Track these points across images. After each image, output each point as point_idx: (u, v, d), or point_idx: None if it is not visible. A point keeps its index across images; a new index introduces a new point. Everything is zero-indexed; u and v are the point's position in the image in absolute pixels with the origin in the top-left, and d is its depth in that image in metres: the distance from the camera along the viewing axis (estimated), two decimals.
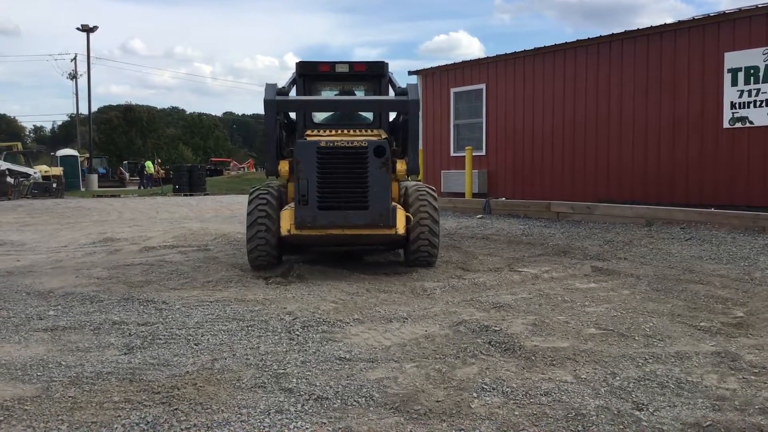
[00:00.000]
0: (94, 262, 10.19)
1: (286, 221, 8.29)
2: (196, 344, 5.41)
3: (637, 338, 5.45)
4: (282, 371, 4.67)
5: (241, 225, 14.97)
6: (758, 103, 12.44)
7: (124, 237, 13.51)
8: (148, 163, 51.54)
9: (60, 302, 7.18)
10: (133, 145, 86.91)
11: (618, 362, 4.82)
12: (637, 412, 3.93)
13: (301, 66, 9.77)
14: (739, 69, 12.71)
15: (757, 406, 3.98)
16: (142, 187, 47.39)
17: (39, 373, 4.70)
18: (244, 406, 4.07)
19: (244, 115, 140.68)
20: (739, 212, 11.89)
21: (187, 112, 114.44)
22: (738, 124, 12.73)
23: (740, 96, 12.70)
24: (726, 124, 12.91)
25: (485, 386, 4.36)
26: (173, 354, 5.15)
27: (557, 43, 16.14)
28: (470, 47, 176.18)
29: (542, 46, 16.44)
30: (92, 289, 7.83)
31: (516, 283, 7.80)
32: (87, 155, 53.49)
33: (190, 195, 32.98)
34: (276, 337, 5.57)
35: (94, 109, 60.01)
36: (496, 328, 5.69)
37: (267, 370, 4.71)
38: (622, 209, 13.55)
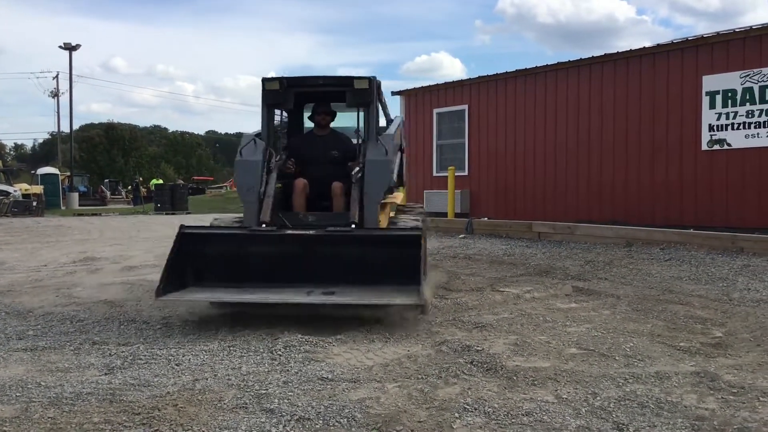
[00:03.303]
0: (74, 281, 10.11)
1: None
2: (177, 364, 5.38)
3: (617, 358, 5.49)
4: (264, 392, 4.65)
5: None
6: (736, 126, 12.63)
7: (105, 256, 13.42)
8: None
9: (40, 322, 7.12)
10: (114, 164, 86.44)
11: (599, 382, 4.85)
12: None
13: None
14: (717, 92, 12.91)
15: (735, 426, 4.02)
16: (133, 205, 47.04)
17: (18, 394, 4.65)
18: (225, 427, 4.05)
19: (227, 133, 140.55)
20: (718, 233, 12.03)
21: (170, 131, 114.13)
22: (716, 147, 12.91)
23: (718, 119, 12.89)
24: (704, 147, 13.08)
25: (467, 406, 4.37)
26: (154, 374, 5.12)
27: (538, 65, 16.34)
28: (452, 68, 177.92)
29: (524, 68, 16.62)
30: (72, 309, 7.77)
31: (498, 303, 7.83)
32: (68, 173, 53.12)
33: (172, 213, 32.81)
34: (258, 357, 5.55)
35: (75, 127, 59.80)
36: (478, 348, 5.72)
37: (249, 390, 4.69)
38: (602, 230, 13.66)
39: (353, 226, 7.35)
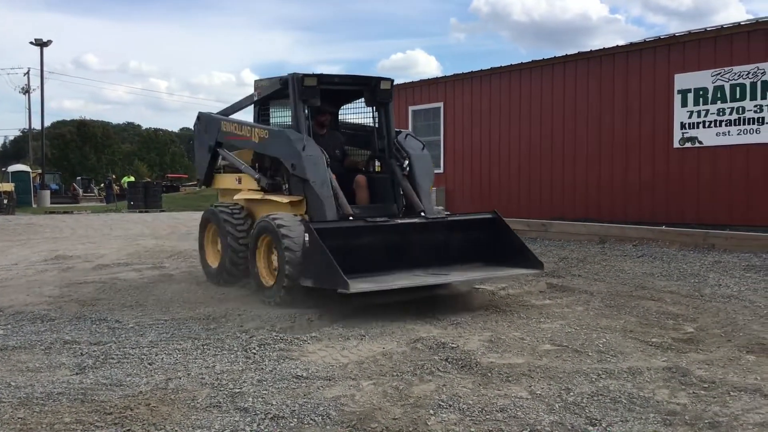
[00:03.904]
0: (45, 280, 9.98)
1: None
2: (150, 364, 5.34)
3: (590, 354, 5.53)
4: (238, 390, 4.63)
5: (197, 242, 14.82)
6: (707, 124, 12.77)
7: (77, 254, 13.26)
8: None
9: (10, 321, 7.02)
10: (87, 161, 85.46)
11: (572, 378, 4.89)
12: (591, 428, 3.99)
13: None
14: (689, 90, 13.04)
15: (706, 421, 4.07)
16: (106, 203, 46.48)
17: None
18: (199, 426, 4.02)
19: None
20: (690, 230, 12.17)
21: (143, 128, 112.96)
22: (688, 144, 13.05)
23: (690, 117, 13.02)
24: (676, 144, 13.21)
25: (442, 403, 4.38)
26: (126, 374, 5.07)
27: (513, 63, 16.41)
28: (428, 66, 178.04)
29: (498, 66, 16.67)
30: (43, 308, 7.67)
31: (473, 300, 7.86)
32: (39, 171, 52.40)
33: (146, 211, 32.51)
34: (232, 356, 5.53)
35: (47, 124, 59.13)
36: (453, 345, 5.73)
37: (222, 389, 4.66)
38: (576, 227, 13.75)
39: (422, 214, 8.03)
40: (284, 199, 8.24)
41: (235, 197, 9.27)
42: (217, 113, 10.03)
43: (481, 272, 7.79)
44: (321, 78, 8.35)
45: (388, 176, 8.80)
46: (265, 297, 7.68)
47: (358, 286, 6.59)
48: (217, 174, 10.15)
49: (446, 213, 8.74)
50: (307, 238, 7.03)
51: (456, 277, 7.66)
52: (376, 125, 8.97)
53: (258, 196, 8.82)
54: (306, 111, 8.32)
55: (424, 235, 7.94)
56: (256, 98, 9.24)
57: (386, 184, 8.78)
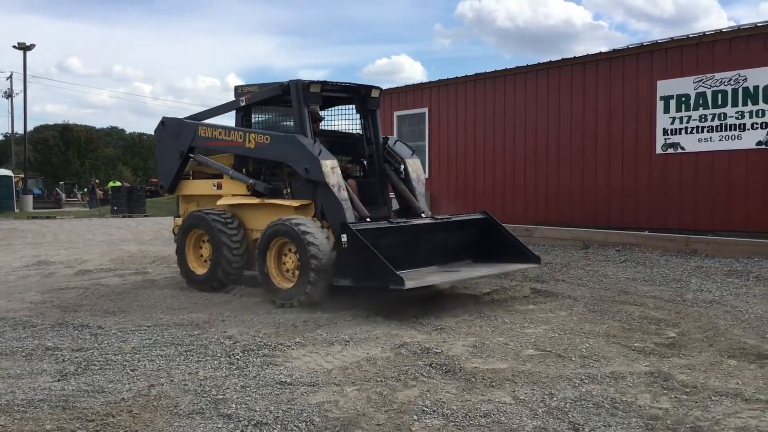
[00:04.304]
0: (27, 285, 9.90)
1: None
2: (132, 370, 5.31)
3: (573, 359, 5.55)
4: (221, 397, 4.61)
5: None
6: (689, 130, 12.88)
7: (60, 260, 13.16)
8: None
9: None
10: (70, 165, 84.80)
11: (555, 383, 4.91)
12: None
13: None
14: (671, 96, 13.14)
15: (688, 425, 4.10)
16: (90, 207, 46.12)
17: None
18: None
19: None
20: (672, 235, 12.26)
21: (127, 132, 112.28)
22: (670, 150, 13.15)
23: (672, 123, 13.12)
24: (659, 150, 13.31)
25: (426, 409, 4.38)
26: (108, 380, 5.04)
27: (497, 69, 16.47)
28: (413, 71, 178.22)
29: (483, 71, 16.74)
30: (25, 314, 7.61)
31: (457, 305, 7.87)
32: (22, 176, 51.97)
33: (129, 216, 32.32)
34: (215, 362, 5.50)
35: (29, 128, 58.64)
36: (437, 350, 5.74)
37: (205, 395, 4.64)
38: (560, 232, 13.81)
39: (422, 215, 8.67)
40: (294, 203, 8.35)
41: (221, 202, 9.18)
42: (187, 118, 9.92)
43: (488, 268, 8.36)
44: (323, 85, 8.60)
45: (376, 180, 9.09)
46: (279, 299, 7.86)
47: (408, 283, 6.89)
48: (184, 180, 9.98)
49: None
50: (344, 239, 7.34)
51: (474, 272, 8.19)
52: (365, 131, 9.23)
53: (253, 200, 8.80)
54: (309, 117, 8.50)
55: (434, 234, 8.45)
56: (243, 103, 9.19)
57: (375, 187, 9.09)
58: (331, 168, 8.04)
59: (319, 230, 7.75)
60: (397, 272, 6.92)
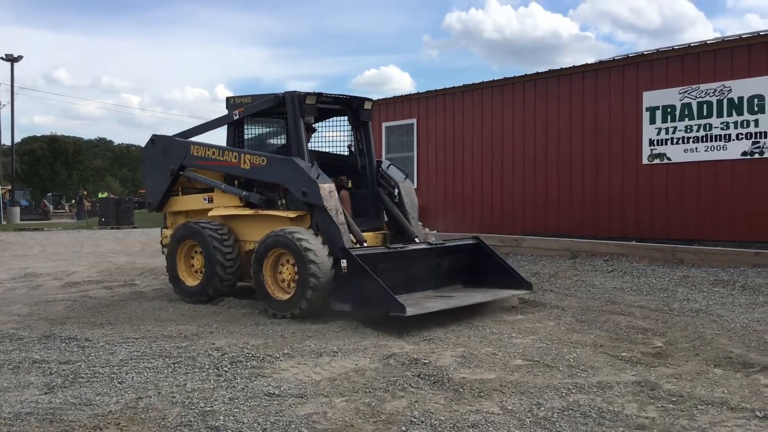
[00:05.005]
0: (14, 298, 9.84)
1: None
2: (120, 382, 5.29)
3: (561, 369, 5.58)
4: (209, 409, 4.60)
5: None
6: (675, 141, 12.98)
7: (47, 272, 13.10)
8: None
9: None
10: (58, 177, 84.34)
11: (543, 393, 4.93)
12: None
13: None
14: (657, 108, 13.25)
15: None
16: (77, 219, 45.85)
17: None
18: None
19: None
20: (659, 245, 12.34)
21: (115, 143, 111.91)
22: (656, 161, 13.24)
23: (658, 133, 13.23)
24: (645, 161, 13.40)
25: (414, 419, 4.39)
26: (96, 393, 5.02)
27: (485, 80, 16.57)
28: (401, 82, 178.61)
29: (471, 83, 16.82)
30: (12, 327, 7.57)
31: (445, 316, 7.87)
32: (9, 187, 51.69)
33: (117, 228, 32.18)
34: (203, 374, 5.49)
35: (17, 139, 58.31)
36: (426, 361, 5.75)
37: (193, 407, 4.63)
38: (548, 242, 13.87)
39: (416, 240, 8.69)
40: (290, 214, 8.35)
41: (213, 213, 9.13)
42: (178, 135, 9.84)
43: (483, 294, 8.24)
44: (318, 97, 8.61)
45: (368, 191, 9.14)
46: (273, 309, 7.88)
47: (409, 310, 6.85)
48: (173, 197, 9.88)
49: (430, 232, 9.16)
50: (344, 264, 7.35)
51: (469, 299, 7.97)
52: (357, 143, 9.34)
53: (247, 211, 8.77)
54: (304, 128, 8.52)
55: (428, 258, 8.47)
56: (237, 116, 9.10)
57: (367, 199, 9.14)
58: (329, 192, 8.05)
59: (321, 247, 7.73)
60: (398, 299, 6.95)
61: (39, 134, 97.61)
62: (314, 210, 8.14)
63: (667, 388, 5.02)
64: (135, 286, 10.80)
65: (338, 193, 8.70)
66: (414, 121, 18.17)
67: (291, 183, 8.28)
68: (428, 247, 8.51)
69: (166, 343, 6.62)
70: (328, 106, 9.02)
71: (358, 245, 8.06)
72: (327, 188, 8.06)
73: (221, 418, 4.42)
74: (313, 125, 9.22)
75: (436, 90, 17.72)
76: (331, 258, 7.65)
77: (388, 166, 9.38)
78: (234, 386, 5.13)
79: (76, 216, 48.79)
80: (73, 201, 57.71)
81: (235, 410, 4.57)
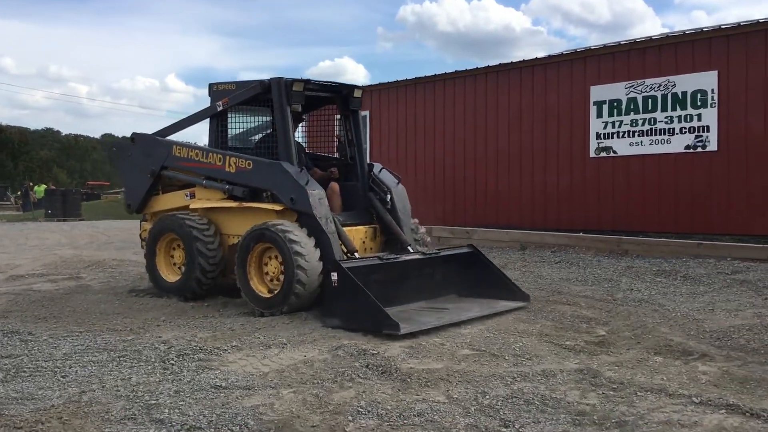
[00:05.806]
0: None
1: None
2: (63, 376, 5.21)
3: (507, 358, 5.67)
4: (154, 402, 4.57)
5: (117, 251, 14.49)
6: (621, 134, 13.27)
7: None
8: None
9: None
10: (3, 168, 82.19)
11: (488, 381, 5.01)
12: (504, 429, 4.10)
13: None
14: (604, 102, 13.52)
15: (614, 420, 4.24)
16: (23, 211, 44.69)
17: None
18: None
19: (125, 137, 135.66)
20: (605, 236, 12.61)
21: (63, 134, 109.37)
22: (603, 154, 13.52)
23: (605, 127, 13.50)
24: (592, 154, 13.67)
25: (361, 409, 4.42)
26: (38, 387, 4.93)
27: (437, 73, 16.66)
28: (356, 74, 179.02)
29: (423, 75, 16.90)
30: None
31: None
32: None
33: (64, 220, 31.50)
34: (149, 367, 5.44)
35: None
36: (374, 352, 5.79)
37: (138, 401, 4.59)
38: (498, 234, 14.05)
39: (408, 248, 8.26)
40: (276, 207, 7.87)
41: (196, 205, 8.73)
42: (157, 133, 9.40)
43: (479, 306, 7.69)
44: (306, 84, 8.24)
45: (357, 183, 8.85)
46: (259, 308, 7.52)
47: (403, 328, 6.46)
48: (154, 197, 9.40)
49: (425, 235, 9.02)
50: (335, 277, 6.99)
51: (464, 313, 7.38)
52: (346, 133, 9.00)
53: (231, 204, 8.37)
54: (291, 117, 8.18)
55: (422, 269, 8.13)
56: (221, 108, 8.68)
57: (356, 191, 8.83)
58: (318, 199, 7.68)
59: (307, 239, 7.41)
60: (391, 315, 6.55)
61: None
62: (302, 217, 7.74)
63: (608, 376, 5.14)
64: (81, 280, 10.61)
65: (328, 184, 8.49)
66: (367, 113, 18.16)
67: (279, 189, 7.88)
68: (422, 257, 8.11)
69: (111, 336, 6.54)
70: (316, 93, 8.64)
71: (348, 255, 7.72)
72: (317, 195, 7.69)
73: (166, 411, 4.39)
74: (302, 115, 8.92)
75: (388, 82, 17.77)
76: (321, 263, 7.33)
77: (380, 170, 8.95)
78: (180, 379, 5.10)
79: (21, 208, 47.58)
80: (19, 192, 56.29)
81: (181, 403, 4.54)
